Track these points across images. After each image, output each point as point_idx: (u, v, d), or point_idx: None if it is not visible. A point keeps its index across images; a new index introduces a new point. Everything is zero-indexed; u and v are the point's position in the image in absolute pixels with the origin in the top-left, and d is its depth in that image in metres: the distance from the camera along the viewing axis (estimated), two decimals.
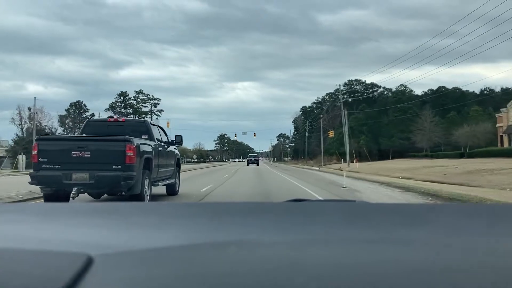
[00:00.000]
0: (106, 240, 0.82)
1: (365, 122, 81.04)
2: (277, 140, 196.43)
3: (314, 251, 0.75)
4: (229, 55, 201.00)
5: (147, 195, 10.22)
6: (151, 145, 10.76)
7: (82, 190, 9.27)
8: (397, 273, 0.66)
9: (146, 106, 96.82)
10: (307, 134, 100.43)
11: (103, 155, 9.33)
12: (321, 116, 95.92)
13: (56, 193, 9.51)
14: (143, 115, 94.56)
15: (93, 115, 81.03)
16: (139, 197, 9.69)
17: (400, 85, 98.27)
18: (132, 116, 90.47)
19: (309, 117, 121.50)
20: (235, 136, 69.82)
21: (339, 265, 0.68)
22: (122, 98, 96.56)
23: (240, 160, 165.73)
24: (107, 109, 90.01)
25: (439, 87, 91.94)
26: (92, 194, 10.07)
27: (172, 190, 12.96)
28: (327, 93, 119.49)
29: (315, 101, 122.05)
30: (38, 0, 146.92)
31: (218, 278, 0.64)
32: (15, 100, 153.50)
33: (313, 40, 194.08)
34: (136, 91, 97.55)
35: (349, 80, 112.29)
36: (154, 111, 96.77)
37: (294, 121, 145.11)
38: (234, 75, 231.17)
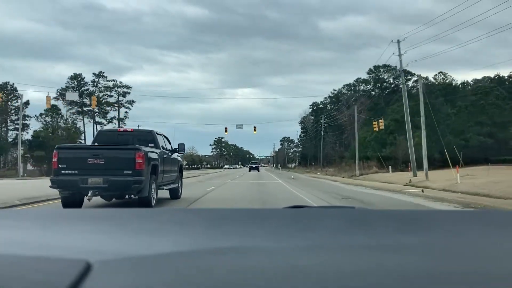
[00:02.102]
0: (105, 246, 0.82)
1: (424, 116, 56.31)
2: (281, 144, 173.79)
3: (313, 258, 0.74)
4: (229, 61, 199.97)
5: (154, 198, 11.32)
6: (157, 153, 11.91)
7: (97, 193, 10.43)
8: (397, 279, 0.65)
9: (112, 96, 74.12)
10: (322, 134, 76.48)
11: (115, 161, 10.49)
12: (357, 97, 72.93)
13: (73, 195, 10.70)
14: (109, 107, 71.72)
15: (27, 103, 58.63)
16: (147, 200, 10.82)
17: (439, 72, 74.57)
18: (92, 109, 68.00)
19: (321, 114, 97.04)
20: (226, 132, 46.92)
21: (338, 271, 0.67)
22: (75, 82, 73.11)
23: (235, 167, 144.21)
24: (56, 98, 67.23)
25: None
26: (105, 196, 11.13)
27: (175, 194, 14.13)
28: (344, 85, 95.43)
29: (331, 94, 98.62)
30: (37, 5, 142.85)
31: (217, 284, 0.63)
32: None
33: (314, 46, 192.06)
34: (94, 74, 75.19)
35: (374, 67, 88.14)
36: (122, 102, 74.38)
37: (302, 121, 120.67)
38: (234, 82, 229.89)
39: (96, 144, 12.44)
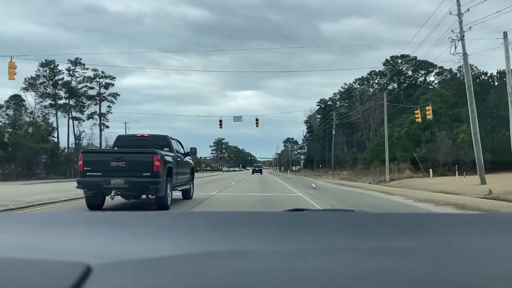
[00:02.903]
0: (105, 250, 0.82)
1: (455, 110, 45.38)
2: (284, 146, 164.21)
3: (314, 261, 0.74)
4: (231, 63, 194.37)
5: (169, 198, 12.39)
6: (172, 156, 12.93)
7: (119, 192, 11.57)
8: (396, 283, 0.65)
9: (92, 88, 64.23)
10: (334, 132, 66.45)
11: (135, 164, 11.56)
12: (387, 82, 63.55)
13: (96, 195, 11.85)
14: (91, 100, 61.99)
15: None
16: (163, 199, 11.87)
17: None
18: (68, 100, 58.39)
19: (330, 112, 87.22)
20: (220, 125, 36.45)
21: (339, 274, 0.67)
22: (48, 70, 59.08)
23: (235, 169, 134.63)
24: (25, 89, 57.08)
25: None
26: (125, 196, 12.27)
27: (187, 195, 15.24)
28: (356, 79, 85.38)
29: (342, 88, 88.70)
30: (38, 8, 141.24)
31: None
32: None
33: (316, 48, 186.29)
34: (70, 61, 60.72)
35: (392, 57, 78.30)
36: (105, 94, 64.68)
37: (308, 120, 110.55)
38: (236, 84, 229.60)
39: (115, 148, 13.65)
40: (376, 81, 79.65)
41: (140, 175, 11.32)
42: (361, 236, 1.00)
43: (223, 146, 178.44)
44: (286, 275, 0.66)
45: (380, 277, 0.66)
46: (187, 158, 15.24)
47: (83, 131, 62.22)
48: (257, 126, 40.36)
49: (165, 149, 12.95)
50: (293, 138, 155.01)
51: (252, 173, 73.92)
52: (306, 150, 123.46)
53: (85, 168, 11.49)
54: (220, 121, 40.36)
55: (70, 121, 60.97)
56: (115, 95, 65.30)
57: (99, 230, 1.08)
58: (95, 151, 15.46)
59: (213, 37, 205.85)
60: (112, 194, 11.33)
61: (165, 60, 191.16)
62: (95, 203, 11.77)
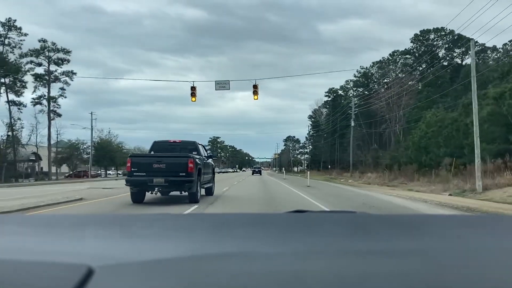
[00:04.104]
0: (107, 251, 0.82)
1: None
2: (284, 145, 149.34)
3: (316, 262, 0.74)
4: (228, 64, 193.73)
5: (199, 193, 14.83)
6: (200, 159, 15.50)
7: (160, 189, 14.16)
8: (398, 284, 0.65)
9: (40, 64, 49.07)
10: (353, 123, 51.71)
11: (173, 166, 13.97)
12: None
13: (139, 192, 14.42)
14: (37, 80, 47.19)
15: None
16: (195, 195, 14.40)
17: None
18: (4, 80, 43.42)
19: (340, 103, 72.24)
20: (193, 96, 21.03)
21: (339, 276, 0.67)
22: None
23: (227, 170, 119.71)
24: None
25: None
26: (163, 192, 14.93)
27: (209, 191, 17.82)
28: (374, 62, 70.84)
29: (357, 73, 73.64)
30: (37, 8, 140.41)
31: None
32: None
33: (314, 49, 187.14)
34: (2, 23, 44.33)
35: (422, 31, 63.39)
36: (57, 73, 49.58)
37: (313, 115, 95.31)
38: (234, 85, 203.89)
39: (152, 152, 16.18)
40: (399, 63, 64.55)
41: (177, 175, 13.84)
42: (362, 238, 1.00)
43: (218, 145, 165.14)
44: (288, 277, 0.66)
45: (381, 278, 0.66)
46: (209, 160, 17.99)
47: (19, 118, 45.55)
48: (255, 97, 25.60)
49: (193, 152, 15.58)
50: (294, 137, 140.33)
51: (252, 174, 77.53)
52: (310, 149, 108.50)
53: (132, 169, 14.16)
54: (193, 88, 25.29)
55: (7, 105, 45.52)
56: (70, 74, 50.11)
57: (101, 232, 1.07)
58: (141, 155, 18.77)
59: (211, 38, 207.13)
60: (155, 190, 14.04)
61: (163, 61, 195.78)
62: (138, 198, 14.43)
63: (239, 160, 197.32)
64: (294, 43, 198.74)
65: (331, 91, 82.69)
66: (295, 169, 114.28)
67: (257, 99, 25.66)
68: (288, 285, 0.63)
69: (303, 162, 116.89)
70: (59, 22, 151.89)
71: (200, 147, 16.89)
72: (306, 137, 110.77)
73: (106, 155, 62.70)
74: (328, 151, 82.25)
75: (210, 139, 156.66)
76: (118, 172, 71.09)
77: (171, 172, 13.71)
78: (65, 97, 50.83)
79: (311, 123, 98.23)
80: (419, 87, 58.10)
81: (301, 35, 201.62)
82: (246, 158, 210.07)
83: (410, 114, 51.00)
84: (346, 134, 69.49)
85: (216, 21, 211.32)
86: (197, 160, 14.57)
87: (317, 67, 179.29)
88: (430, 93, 45.60)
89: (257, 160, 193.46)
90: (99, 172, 70.17)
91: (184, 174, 13.73)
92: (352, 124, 52.18)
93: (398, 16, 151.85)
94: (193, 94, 25.38)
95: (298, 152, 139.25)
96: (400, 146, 47.77)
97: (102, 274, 0.66)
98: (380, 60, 68.39)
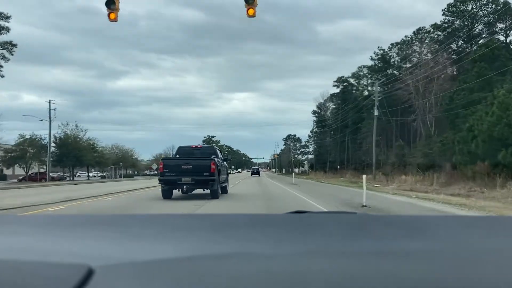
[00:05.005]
0: (107, 252, 0.82)
1: None
2: (284, 144, 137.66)
3: (315, 263, 0.74)
4: (226, 65, 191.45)
5: (219, 191, 17.83)
6: (219, 161, 18.37)
7: (188, 187, 17.09)
8: (398, 285, 0.65)
9: None
10: (376, 113, 40.55)
11: (198, 167, 16.90)
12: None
13: (169, 189, 17.31)
14: None
15: None
16: (216, 192, 17.20)
17: None
18: None
19: (352, 95, 60.41)
20: (110, 18, 9.56)
21: (340, 277, 0.67)
22: None
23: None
24: None
25: None
26: (189, 189, 17.61)
27: (224, 190, 20.48)
28: (393, 43, 59.50)
29: (375, 55, 62.13)
30: (33, 10, 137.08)
31: None
32: (13, 109, 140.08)
33: (312, 50, 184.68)
34: None
35: (448, 4, 52.13)
36: None
37: (318, 110, 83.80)
38: (231, 86, 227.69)
39: (177, 156, 19.21)
40: (427, 40, 53.15)
41: (202, 175, 16.72)
42: (362, 239, 0.99)
43: (214, 145, 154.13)
44: (288, 278, 0.66)
45: (382, 279, 0.65)
46: (225, 162, 20.86)
47: None
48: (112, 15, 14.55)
49: (213, 156, 18.47)
50: (295, 135, 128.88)
51: (251, 175, 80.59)
52: (314, 148, 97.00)
53: (164, 170, 17.05)
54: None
55: None
56: (9, 45, 38.95)
57: (101, 232, 1.08)
58: (171, 158, 21.24)
59: (208, 39, 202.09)
60: (184, 188, 16.99)
61: (160, 62, 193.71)
62: (167, 195, 17.31)
63: (236, 161, 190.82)
64: (291, 43, 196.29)
65: (340, 80, 71.19)
66: (296, 170, 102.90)
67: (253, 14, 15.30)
68: (288, 286, 0.63)
69: (304, 162, 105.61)
70: (55, 23, 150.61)
71: (217, 151, 20.34)
72: (309, 135, 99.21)
73: (71, 153, 51.44)
74: (336, 150, 70.87)
75: (205, 138, 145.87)
76: (94, 174, 59.80)
77: (197, 172, 16.69)
78: (3, 76, 39.63)
79: (315, 118, 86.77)
80: (455, 70, 46.95)
81: (299, 35, 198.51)
82: (244, 158, 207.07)
83: (450, 100, 39.69)
84: (360, 129, 57.79)
85: (212, 22, 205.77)
86: (217, 162, 17.46)
87: (315, 68, 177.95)
88: (484, 69, 34.48)
89: (255, 161, 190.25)
90: (63, 174, 58.80)
91: (208, 174, 16.71)
92: (376, 113, 40.84)
93: (396, 16, 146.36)
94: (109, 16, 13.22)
95: (299, 152, 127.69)
96: (432, 141, 37.22)
97: (102, 274, 0.65)
98: (402, 40, 57.06)
